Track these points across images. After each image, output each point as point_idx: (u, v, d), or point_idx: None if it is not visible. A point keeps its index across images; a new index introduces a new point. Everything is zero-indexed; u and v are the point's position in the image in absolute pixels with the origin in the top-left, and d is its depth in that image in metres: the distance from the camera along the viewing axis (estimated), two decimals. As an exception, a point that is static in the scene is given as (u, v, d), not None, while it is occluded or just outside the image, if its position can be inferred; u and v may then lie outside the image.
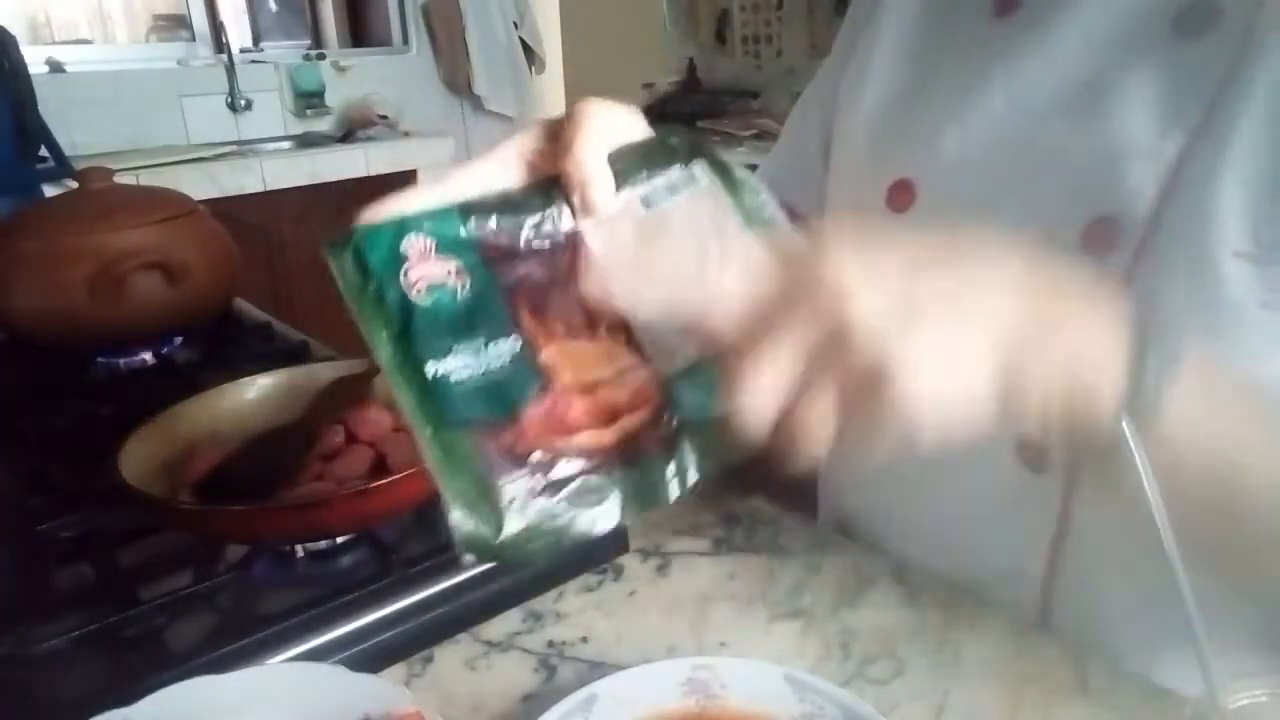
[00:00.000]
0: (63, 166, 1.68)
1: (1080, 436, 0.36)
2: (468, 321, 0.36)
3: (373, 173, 2.63)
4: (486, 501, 0.34)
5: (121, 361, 1.00)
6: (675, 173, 0.41)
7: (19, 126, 1.42)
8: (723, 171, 0.42)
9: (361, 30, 3.46)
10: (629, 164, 0.41)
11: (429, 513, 0.67)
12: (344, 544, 0.62)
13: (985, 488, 0.56)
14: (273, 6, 3.36)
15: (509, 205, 0.39)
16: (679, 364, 0.37)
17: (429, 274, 0.37)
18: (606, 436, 0.36)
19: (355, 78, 3.12)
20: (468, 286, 0.37)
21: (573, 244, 0.39)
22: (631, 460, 0.36)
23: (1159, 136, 0.46)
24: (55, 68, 2.58)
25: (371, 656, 0.53)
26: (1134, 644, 0.52)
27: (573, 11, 3.75)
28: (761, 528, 0.61)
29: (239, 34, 3.12)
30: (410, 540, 0.63)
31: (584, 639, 0.51)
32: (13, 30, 1.46)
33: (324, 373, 0.72)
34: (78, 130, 2.49)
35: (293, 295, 2.50)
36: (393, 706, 0.41)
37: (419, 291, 0.36)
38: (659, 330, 0.38)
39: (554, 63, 3.79)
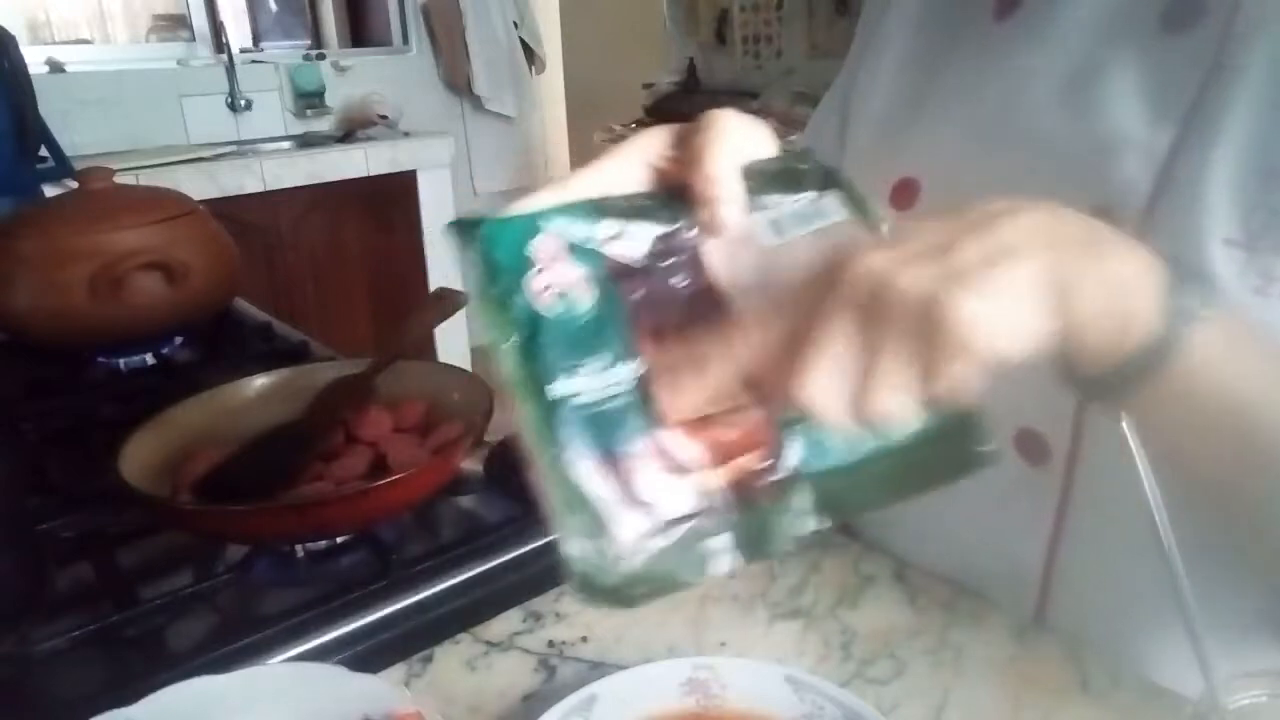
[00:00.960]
0: (63, 166, 1.68)
1: (1107, 378, 0.36)
2: (593, 340, 0.33)
3: (373, 173, 2.64)
4: (604, 538, 0.32)
5: (121, 361, 1.00)
6: (807, 200, 0.38)
7: (19, 126, 1.42)
8: (860, 207, 0.38)
9: (361, 30, 3.47)
10: (760, 183, 0.37)
11: (429, 513, 0.67)
12: (344, 544, 0.62)
13: (983, 481, 0.56)
14: (273, 6, 3.36)
15: (638, 211, 0.36)
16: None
17: (558, 280, 0.34)
18: (719, 478, 0.34)
19: (355, 78, 3.12)
20: (595, 299, 0.34)
21: (693, 264, 0.36)
22: (745, 504, 0.34)
23: (1150, 128, 0.47)
24: (55, 68, 2.59)
25: (371, 656, 0.53)
26: (1133, 641, 0.52)
27: (573, 11, 3.75)
28: (761, 528, 0.61)
29: (239, 34, 3.12)
30: (410, 540, 0.63)
31: (584, 639, 0.51)
32: (13, 30, 1.46)
33: (324, 373, 0.72)
34: (78, 130, 2.49)
35: (293, 295, 2.50)
36: (393, 706, 0.41)
37: (547, 299, 0.33)
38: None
39: (554, 63, 3.79)
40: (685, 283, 0.36)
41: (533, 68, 3.63)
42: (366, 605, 0.55)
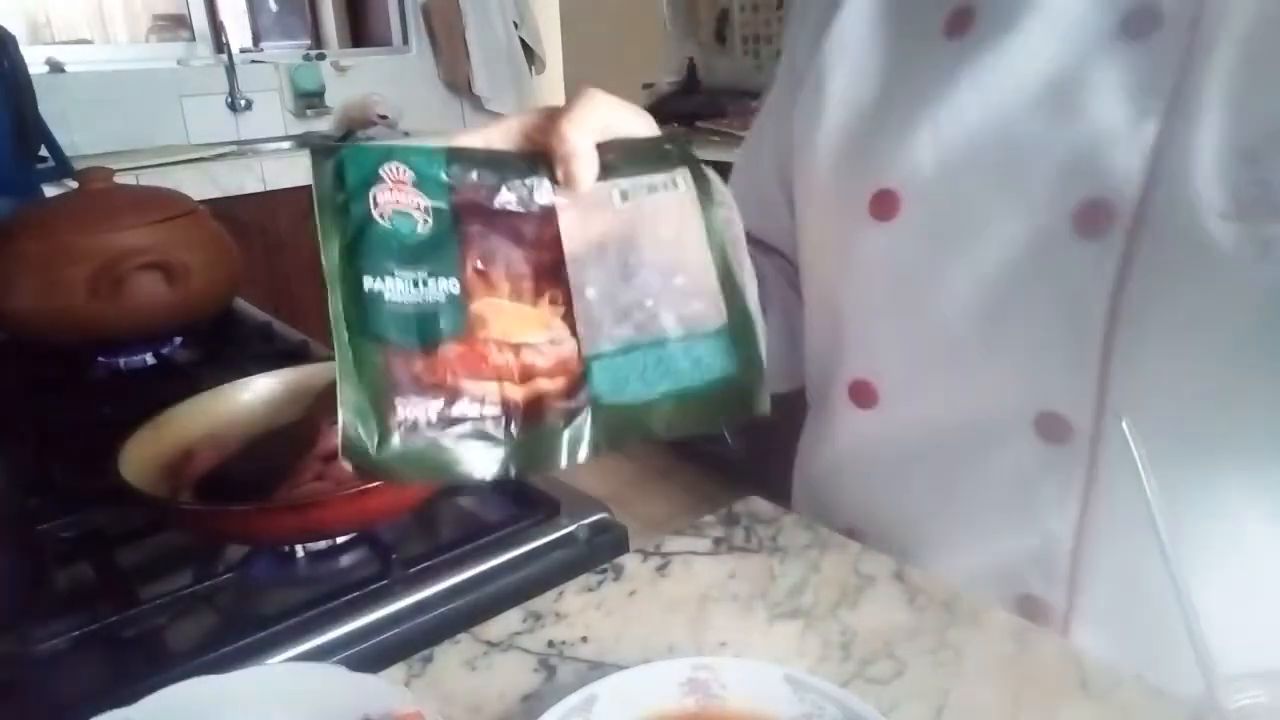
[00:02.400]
0: (63, 166, 1.68)
1: None
2: (416, 254, 0.38)
3: (373, 173, 2.63)
4: (376, 415, 0.36)
5: (121, 361, 1.00)
6: (661, 175, 0.44)
7: (19, 126, 1.42)
8: (702, 184, 0.44)
9: (361, 30, 3.47)
10: (621, 158, 0.43)
11: (429, 513, 0.67)
12: (344, 544, 0.62)
13: (1007, 469, 0.57)
14: (273, 6, 3.36)
15: (493, 164, 0.41)
16: (604, 348, 0.40)
17: (398, 201, 0.38)
18: (515, 392, 0.38)
19: (355, 78, 3.12)
20: (430, 225, 0.39)
21: (545, 216, 0.41)
22: (532, 421, 0.38)
23: (1136, 121, 0.49)
24: (55, 68, 2.58)
25: (371, 656, 0.53)
26: (1171, 622, 0.52)
27: (573, 11, 3.75)
28: (761, 528, 0.61)
29: (239, 34, 3.12)
30: (410, 540, 0.63)
31: (584, 639, 0.51)
32: (13, 30, 1.47)
33: (324, 373, 0.72)
34: (78, 130, 2.49)
35: (293, 295, 2.50)
36: (393, 706, 0.41)
37: (383, 215, 0.38)
38: (596, 314, 0.41)
39: (554, 63, 3.79)
40: (534, 230, 0.41)
41: (533, 68, 3.63)
42: (366, 605, 0.55)
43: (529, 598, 0.54)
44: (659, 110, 2.87)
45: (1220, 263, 0.46)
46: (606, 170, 0.42)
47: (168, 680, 0.43)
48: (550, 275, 0.41)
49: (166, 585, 0.58)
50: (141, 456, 0.61)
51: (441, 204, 0.39)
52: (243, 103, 2.89)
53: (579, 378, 0.39)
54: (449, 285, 0.38)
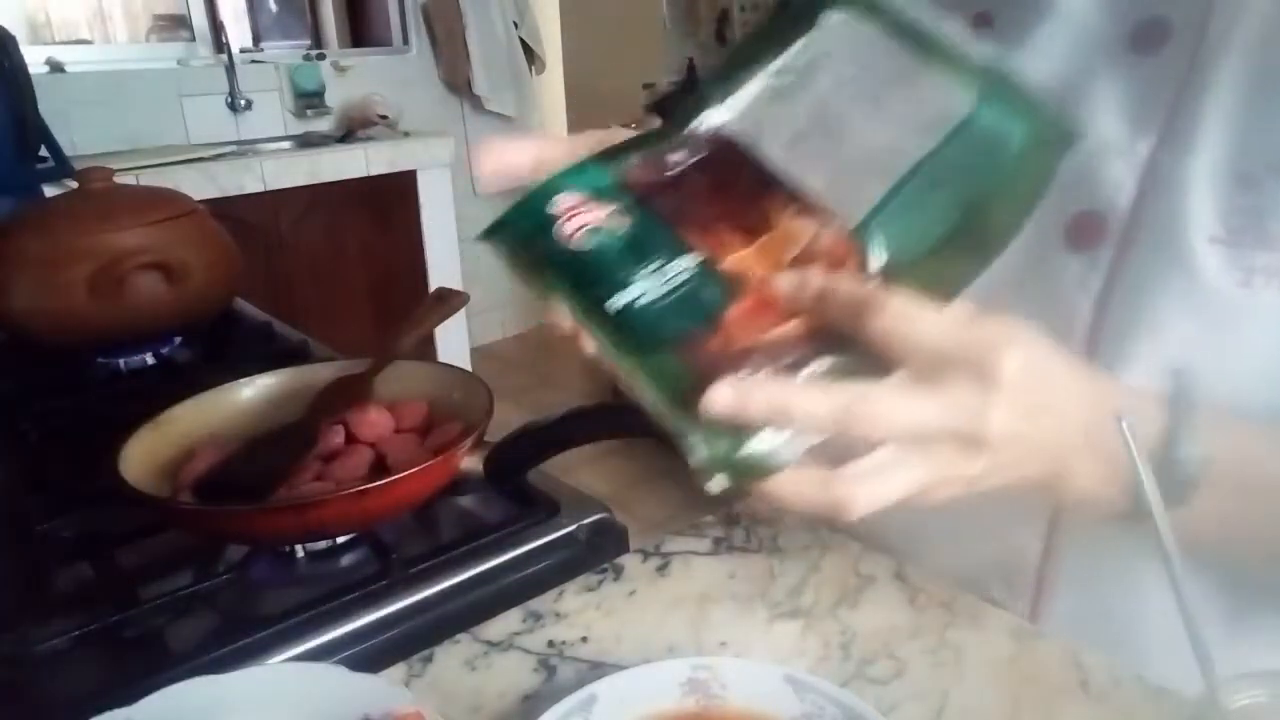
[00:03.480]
0: (63, 166, 1.68)
1: None
2: (638, 252, 0.36)
3: (373, 173, 2.64)
4: (707, 427, 0.34)
5: (121, 361, 1.00)
6: (803, 38, 0.41)
7: (19, 126, 1.42)
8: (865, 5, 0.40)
9: (361, 30, 3.47)
10: (759, 48, 0.40)
11: (429, 513, 0.67)
12: (344, 544, 0.62)
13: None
14: (273, 6, 3.36)
15: (641, 143, 0.39)
16: (866, 208, 0.37)
17: (585, 220, 0.37)
18: (807, 323, 0.36)
19: (355, 78, 3.12)
20: (628, 221, 0.37)
21: (721, 146, 0.39)
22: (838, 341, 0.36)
23: (1131, 137, 0.50)
24: (55, 68, 2.58)
25: (371, 656, 0.53)
26: (1132, 632, 0.53)
27: (573, 11, 3.75)
28: (761, 528, 0.61)
29: (239, 34, 3.12)
30: (410, 540, 0.63)
31: (584, 639, 0.51)
32: (13, 30, 1.46)
33: (324, 373, 0.72)
34: (78, 130, 2.49)
35: (293, 295, 2.50)
36: (393, 706, 0.41)
37: (578, 239, 0.36)
38: (834, 191, 0.38)
39: (554, 63, 3.79)
40: (719, 170, 0.39)
41: (533, 68, 3.63)
42: (366, 605, 0.55)
43: (529, 598, 0.54)
44: (659, 110, 2.87)
45: (1203, 285, 0.46)
46: (751, 66, 0.40)
47: (168, 680, 0.43)
48: (762, 192, 0.38)
49: (166, 585, 0.58)
50: (141, 456, 0.61)
51: (624, 200, 0.38)
52: (243, 103, 2.89)
53: (861, 255, 0.37)
54: (690, 260, 0.36)
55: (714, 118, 0.40)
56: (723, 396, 0.34)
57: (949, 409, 0.36)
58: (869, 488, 0.36)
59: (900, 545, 0.60)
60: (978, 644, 0.49)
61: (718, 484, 0.34)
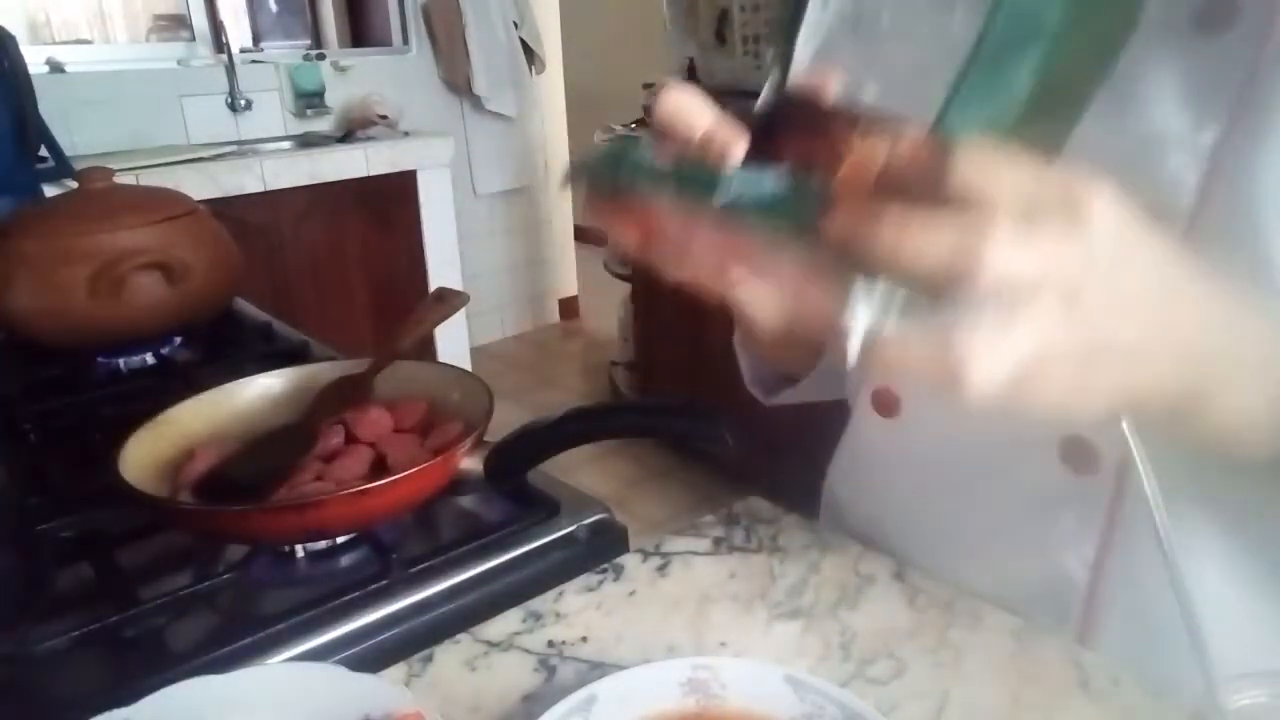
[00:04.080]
0: (63, 166, 1.68)
1: None
2: (736, 173, 0.38)
3: (373, 173, 2.64)
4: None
5: (121, 361, 1.00)
6: None
7: (19, 126, 1.42)
8: None
9: (361, 30, 3.47)
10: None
11: (429, 513, 0.67)
12: (344, 544, 0.62)
13: (1026, 493, 0.55)
14: (273, 6, 3.36)
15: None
16: (935, 104, 0.37)
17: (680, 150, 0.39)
18: None
19: (355, 78, 3.12)
20: (722, 163, 0.39)
21: (779, 102, 0.41)
22: None
23: (1193, 126, 0.47)
24: (55, 68, 2.59)
25: (371, 656, 0.53)
26: (1182, 658, 0.51)
27: (573, 11, 3.75)
28: (761, 527, 0.61)
29: (239, 34, 3.12)
30: (410, 540, 0.63)
31: (584, 639, 0.51)
32: (13, 30, 1.47)
33: (324, 373, 0.72)
34: (78, 130, 2.49)
35: (293, 295, 2.50)
36: (393, 706, 0.41)
37: (677, 161, 0.38)
38: (892, 88, 0.39)
39: (554, 63, 3.79)
40: (777, 135, 0.40)
41: (533, 68, 3.63)
42: (366, 605, 0.55)
43: (529, 598, 0.54)
44: (659, 110, 2.87)
45: (1278, 286, 0.44)
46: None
47: (168, 680, 0.43)
48: (826, 126, 0.38)
49: (166, 585, 0.58)
50: (141, 456, 0.61)
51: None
52: (243, 103, 2.89)
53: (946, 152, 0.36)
54: (781, 171, 0.37)
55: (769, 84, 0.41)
56: (845, 219, 0.34)
57: (1047, 255, 0.34)
58: (987, 346, 0.34)
59: (935, 564, 0.59)
60: (978, 644, 0.49)
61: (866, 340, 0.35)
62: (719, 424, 0.53)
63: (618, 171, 0.39)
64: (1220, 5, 0.47)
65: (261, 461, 0.63)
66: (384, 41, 3.35)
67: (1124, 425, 0.36)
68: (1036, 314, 0.34)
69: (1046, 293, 0.34)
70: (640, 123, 2.84)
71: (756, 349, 0.69)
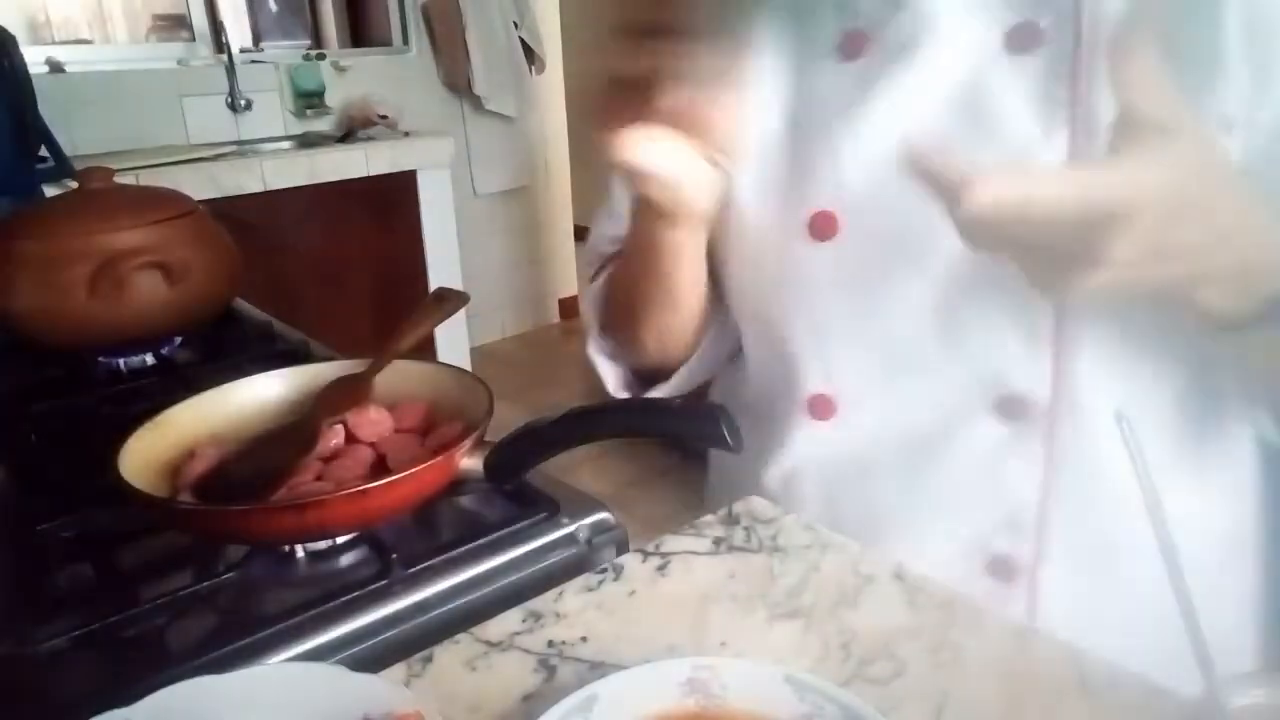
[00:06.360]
0: (63, 166, 1.68)
1: None
2: None
3: (373, 173, 2.63)
4: None
5: (121, 361, 1.00)
6: None
7: (19, 126, 1.42)
8: None
9: (361, 30, 3.47)
10: None
11: (429, 513, 0.67)
12: (344, 544, 0.62)
13: (970, 454, 0.60)
14: (273, 6, 3.36)
15: None
16: None
17: None
18: None
19: (355, 78, 3.13)
20: None
21: None
22: None
23: (1047, 131, 0.53)
24: (55, 68, 2.59)
25: (371, 656, 0.53)
26: (1130, 609, 0.57)
27: (573, 11, 3.75)
28: (761, 527, 0.61)
29: (239, 34, 3.12)
30: (410, 540, 0.63)
31: (584, 639, 0.51)
32: (13, 30, 1.47)
33: (324, 373, 0.72)
34: (78, 130, 2.49)
35: (293, 295, 2.50)
36: (393, 706, 0.41)
37: None
38: None
39: (554, 63, 3.79)
40: None
41: (533, 68, 3.63)
42: (366, 605, 0.55)
43: (529, 598, 0.54)
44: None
45: None
46: None
47: (168, 680, 0.43)
48: None
49: (166, 585, 0.58)
50: (141, 456, 0.61)
51: None
52: (243, 103, 2.89)
53: None
54: None
55: None
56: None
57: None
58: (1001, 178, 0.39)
59: (889, 539, 0.62)
60: (978, 644, 0.49)
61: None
62: (719, 424, 0.53)
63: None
64: (1024, 28, 0.54)
65: (261, 461, 0.63)
66: (384, 41, 3.35)
67: (1121, 426, 0.36)
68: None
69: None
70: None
71: (629, 346, 0.72)
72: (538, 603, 0.54)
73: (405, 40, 3.33)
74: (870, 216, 0.58)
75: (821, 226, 0.59)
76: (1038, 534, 0.59)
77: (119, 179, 1.04)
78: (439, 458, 0.59)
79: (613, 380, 0.74)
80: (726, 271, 0.68)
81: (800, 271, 0.62)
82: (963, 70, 0.55)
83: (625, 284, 0.69)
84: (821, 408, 0.64)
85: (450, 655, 0.50)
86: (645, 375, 0.74)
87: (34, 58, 1.80)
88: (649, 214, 0.57)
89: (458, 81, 3.37)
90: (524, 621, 0.52)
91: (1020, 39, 0.54)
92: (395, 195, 2.72)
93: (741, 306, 0.69)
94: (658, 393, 0.72)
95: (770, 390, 0.68)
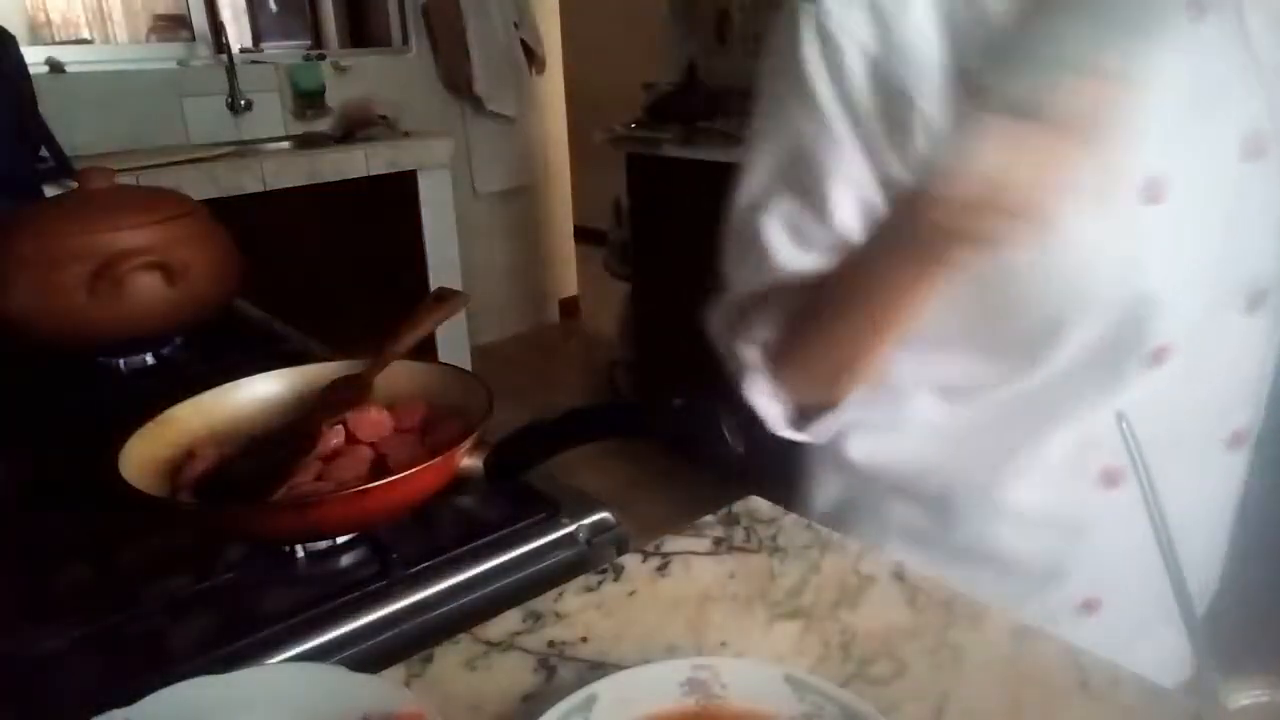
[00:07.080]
0: (63, 166, 1.68)
1: None
2: None
3: (373, 173, 2.63)
4: None
5: (121, 361, 1.00)
6: None
7: (19, 126, 1.42)
8: None
9: (361, 30, 3.47)
10: None
11: (429, 513, 0.67)
12: (344, 544, 0.62)
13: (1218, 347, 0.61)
14: (273, 6, 3.36)
15: None
16: None
17: None
18: None
19: (355, 78, 3.12)
20: None
21: None
22: None
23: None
24: (55, 68, 2.58)
25: (371, 656, 0.53)
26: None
27: (573, 11, 3.75)
28: (761, 527, 0.61)
29: (239, 34, 3.12)
30: (410, 540, 0.63)
31: (584, 639, 0.51)
32: (13, 30, 1.47)
33: (324, 373, 0.72)
34: (78, 130, 2.49)
35: (293, 295, 2.49)
36: (393, 706, 0.41)
37: None
38: None
39: (554, 63, 3.79)
40: None
41: (533, 68, 3.63)
42: (366, 605, 0.55)
43: (529, 598, 0.54)
44: (659, 110, 2.87)
45: None
46: None
47: (168, 680, 0.43)
48: None
49: (166, 585, 0.58)
50: (141, 456, 0.61)
51: None
52: (243, 103, 2.89)
53: None
54: None
55: None
56: None
57: None
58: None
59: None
60: (978, 644, 0.49)
61: None
62: (719, 424, 0.53)
63: None
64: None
65: (261, 461, 0.63)
66: (384, 41, 3.35)
67: (1122, 426, 0.36)
68: None
69: None
70: (639, 123, 2.84)
71: (798, 383, 0.68)
72: (538, 603, 0.54)
73: (405, 40, 3.33)
74: (1200, 187, 0.59)
75: (1153, 192, 0.59)
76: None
77: (119, 179, 1.04)
78: (439, 458, 0.59)
79: (778, 419, 0.69)
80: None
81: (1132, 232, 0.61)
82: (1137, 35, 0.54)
83: (828, 319, 0.64)
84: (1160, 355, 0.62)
85: (450, 655, 0.50)
86: (808, 411, 0.69)
87: (34, 58, 1.81)
88: (946, 237, 0.53)
89: (458, 81, 3.36)
90: (524, 621, 0.52)
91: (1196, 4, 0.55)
92: (395, 195, 2.72)
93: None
94: (821, 425, 0.68)
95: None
